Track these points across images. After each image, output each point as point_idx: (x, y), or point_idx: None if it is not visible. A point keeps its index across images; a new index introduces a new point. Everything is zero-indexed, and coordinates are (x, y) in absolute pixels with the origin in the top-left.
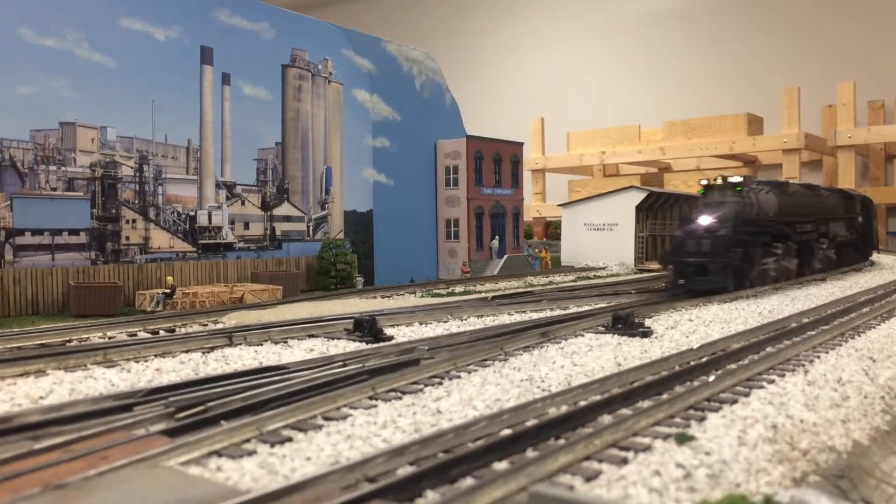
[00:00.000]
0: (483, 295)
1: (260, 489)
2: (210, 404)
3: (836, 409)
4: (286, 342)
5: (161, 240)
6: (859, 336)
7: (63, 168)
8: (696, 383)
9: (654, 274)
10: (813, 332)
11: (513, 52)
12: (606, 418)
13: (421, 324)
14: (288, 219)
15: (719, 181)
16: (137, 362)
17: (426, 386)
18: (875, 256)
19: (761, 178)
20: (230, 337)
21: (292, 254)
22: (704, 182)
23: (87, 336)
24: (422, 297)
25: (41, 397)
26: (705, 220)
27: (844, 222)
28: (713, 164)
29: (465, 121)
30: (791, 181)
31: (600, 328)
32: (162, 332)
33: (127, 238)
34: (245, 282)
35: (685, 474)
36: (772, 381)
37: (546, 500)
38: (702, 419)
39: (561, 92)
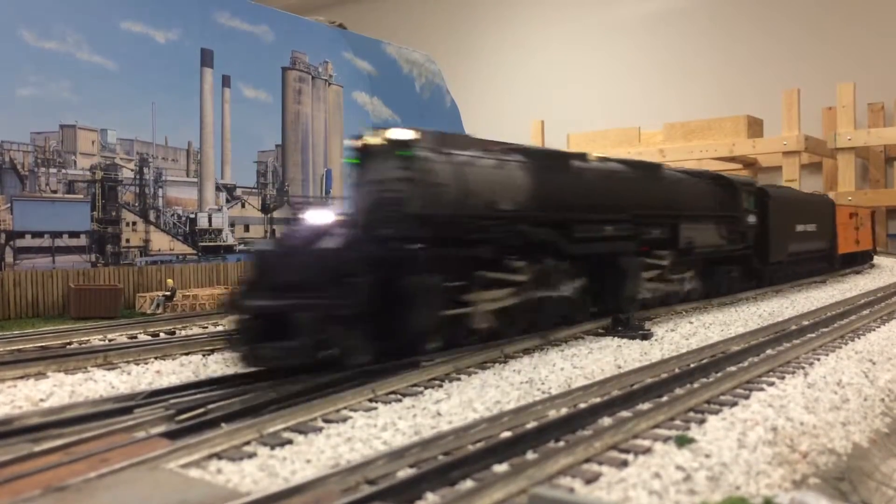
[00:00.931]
0: None
1: (260, 491)
2: (210, 406)
3: (835, 411)
4: None
5: (161, 242)
6: (859, 338)
7: (63, 170)
8: (696, 385)
9: None
10: (813, 335)
11: (513, 53)
12: (606, 420)
13: None
14: (288, 221)
15: (376, 140)
16: (138, 365)
17: (426, 388)
18: (876, 259)
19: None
20: (230, 339)
21: None
22: (356, 144)
23: (87, 338)
24: None
25: (41, 399)
26: (320, 216)
27: (717, 225)
28: (713, 167)
29: (465, 123)
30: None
31: (600, 330)
32: (162, 335)
33: (127, 240)
34: None
35: (685, 476)
36: (772, 384)
37: (546, 502)
38: (702, 421)
39: (561, 94)
